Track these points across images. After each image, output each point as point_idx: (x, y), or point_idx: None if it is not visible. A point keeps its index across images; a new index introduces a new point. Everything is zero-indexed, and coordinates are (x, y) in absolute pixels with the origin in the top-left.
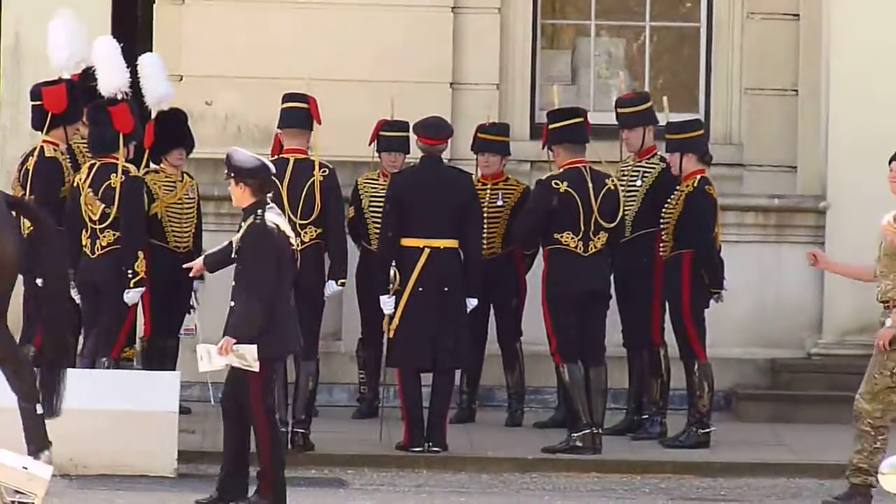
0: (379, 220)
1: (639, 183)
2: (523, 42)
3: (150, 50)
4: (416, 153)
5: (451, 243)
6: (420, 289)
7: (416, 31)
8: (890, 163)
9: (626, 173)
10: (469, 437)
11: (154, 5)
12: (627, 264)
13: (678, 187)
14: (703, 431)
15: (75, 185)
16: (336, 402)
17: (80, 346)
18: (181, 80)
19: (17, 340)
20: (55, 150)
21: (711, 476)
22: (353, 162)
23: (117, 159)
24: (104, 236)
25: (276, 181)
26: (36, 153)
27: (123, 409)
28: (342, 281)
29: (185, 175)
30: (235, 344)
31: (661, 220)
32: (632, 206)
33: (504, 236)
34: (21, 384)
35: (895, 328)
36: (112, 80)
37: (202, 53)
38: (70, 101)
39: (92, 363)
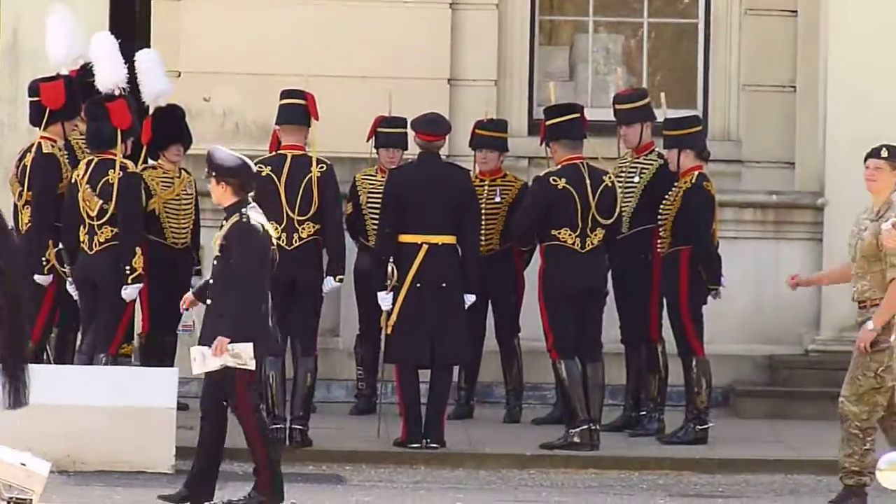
0: (377, 217)
1: (636, 179)
2: (521, 38)
3: (148, 46)
4: (414, 149)
5: (449, 239)
6: (418, 285)
7: (415, 27)
8: (865, 160)
9: (623, 170)
10: (467, 434)
11: (152, 1)
12: (625, 261)
13: (676, 184)
14: (700, 428)
15: (73, 181)
16: (334, 398)
17: (78, 343)
18: (179, 76)
19: None
20: (53, 147)
21: (709, 472)
22: (351, 158)
23: (115, 155)
24: (102, 233)
25: (274, 178)
26: (33, 149)
27: (121, 406)
28: (340, 277)
29: (182, 171)
30: (230, 343)
31: (659, 217)
32: (629, 202)
33: (502, 233)
34: None
35: (876, 330)
36: (110, 76)
37: (200, 50)
38: (68, 97)
39: (90, 360)
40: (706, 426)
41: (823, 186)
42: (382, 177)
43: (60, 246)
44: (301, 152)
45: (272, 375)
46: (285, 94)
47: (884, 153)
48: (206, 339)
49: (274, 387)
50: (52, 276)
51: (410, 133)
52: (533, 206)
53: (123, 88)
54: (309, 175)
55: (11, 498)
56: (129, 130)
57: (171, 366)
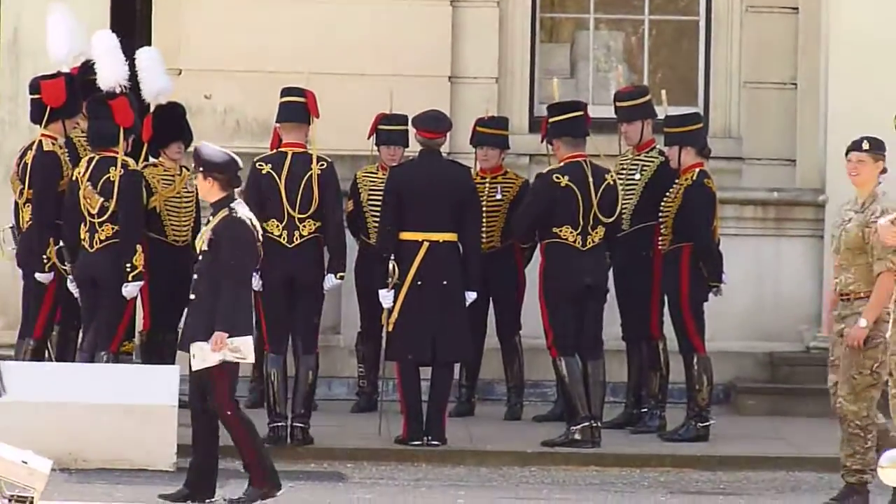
0: (378, 214)
1: (637, 176)
2: (522, 36)
3: (149, 44)
4: (414, 147)
5: (450, 237)
6: (419, 282)
7: (415, 24)
8: (847, 153)
9: (624, 167)
10: (468, 431)
11: None
12: (626, 258)
13: (677, 181)
14: (702, 425)
15: (74, 178)
16: (335, 395)
17: (79, 341)
18: (180, 73)
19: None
20: (54, 144)
21: (710, 469)
22: (352, 156)
23: (117, 153)
24: (103, 230)
25: (275, 176)
26: (34, 147)
27: (123, 404)
28: (341, 274)
29: (183, 169)
30: (228, 337)
31: (660, 214)
32: (630, 199)
33: (503, 230)
34: None
35: (868, 328)
36: (111, 73)
37: (201, 47)
38: (69, 94)
39: (91, 357)
40: (707, 423)
41: (824, 183)
42: (383, 174)
43: (61, 244)
44: (302, 150)
45: (273, 373)
46: (286, 91)
47: (865, 146)
48: (190, 334)
49: (275, 384)
50: (52, 273)
51: (411, 130)
52: (535, 204)
53: (124, 86)
54: (309, 173)
55: (13, 495)
56: (130, 128)
57: (173, 363)
